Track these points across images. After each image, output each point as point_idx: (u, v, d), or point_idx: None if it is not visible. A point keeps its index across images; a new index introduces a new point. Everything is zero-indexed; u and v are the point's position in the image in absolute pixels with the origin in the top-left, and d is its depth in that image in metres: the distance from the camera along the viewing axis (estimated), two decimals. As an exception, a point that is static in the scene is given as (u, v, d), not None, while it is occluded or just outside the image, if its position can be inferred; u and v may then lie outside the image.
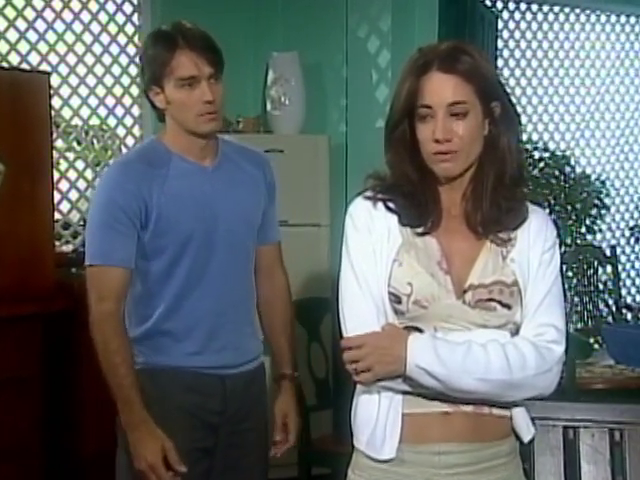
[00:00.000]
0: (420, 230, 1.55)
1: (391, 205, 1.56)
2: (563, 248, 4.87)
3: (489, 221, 1.54)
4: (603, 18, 5.50)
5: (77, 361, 3.20)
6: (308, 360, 3.20)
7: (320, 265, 3.78)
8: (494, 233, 1.55)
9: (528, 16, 5.25)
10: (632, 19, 5.57)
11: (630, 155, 5.72)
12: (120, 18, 3.97)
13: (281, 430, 2.15)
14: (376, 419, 1.53)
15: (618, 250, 5.46)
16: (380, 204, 1.56)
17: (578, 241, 5.16)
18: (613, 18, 5.53)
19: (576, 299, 5.12)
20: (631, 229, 5.71)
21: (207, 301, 2.04)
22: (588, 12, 5.44)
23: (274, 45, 4.13)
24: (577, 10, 5.40)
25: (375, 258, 1.53)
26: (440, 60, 1.51)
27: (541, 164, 4.83)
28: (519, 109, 5.50)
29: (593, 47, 5.48)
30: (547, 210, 4.81)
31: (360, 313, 1.53)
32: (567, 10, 5.37)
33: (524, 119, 5.31)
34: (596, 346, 3.63)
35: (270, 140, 3.87)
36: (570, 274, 5.06)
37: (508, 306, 1.52)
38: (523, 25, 5.24)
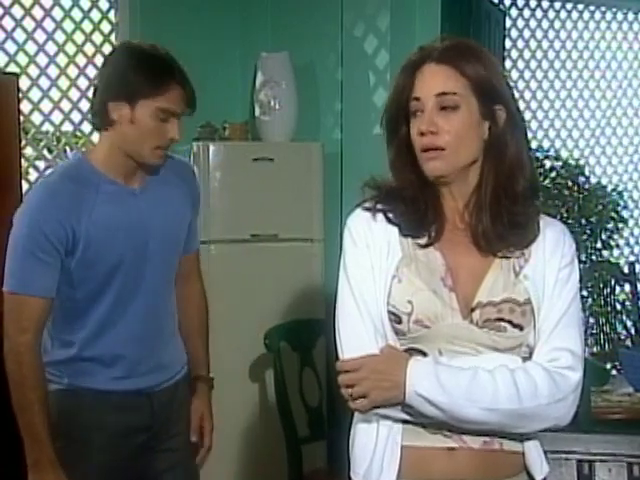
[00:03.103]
0: (422, 241, 1.55)
1: (391, 216, 1.57)
2: (579, 265, 4.89)
3: (492, 237, 1.54)
4: (620, 16, 5.53)
5: None
6: (300, 387, 3.20)
7: (313, 284, 3.78)
8: (501, 250, 1.54)
9: (538, 14, 5.29)
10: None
11: (650, 164, 5.75)
12: (95, 15, 3.99)
13: (196, 431, 2.33)
14: (373, 450, 1.53)
15: (637, 267, 5.48)
16: (380, 215, 1.57)
17: (593, 257, 5.18)
18: (630, 16, 5.57)
19: (591, 320, 5.13)
20: (652, 244, 5.73)
21: (134, 326, 2.12)
22: (604, 9, 5.48)
23: (263, 45, 4.15)
24: (592, 7, 5.44)
25: (374, 274, 1.53)
26: (438, 53, 1.53)
27: (553, 174, 4.85)
28: (528, 114, 5.54)
29: (609, 47, 5.51)
30: (560, 224, 4.83)
31: (357, 334, 1.53)
32: (580, 7, 5.40)
33: (534, 125, 5.33)
34: (613, 372, 3.64)
35: (259, 148, 3.89)
36: (585, 293, 5.07)
37: (520, 327, 1.52)
38: (533, 23, 5.28)
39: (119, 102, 2.03)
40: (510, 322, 1.51)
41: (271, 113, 3.96)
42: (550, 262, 1.56)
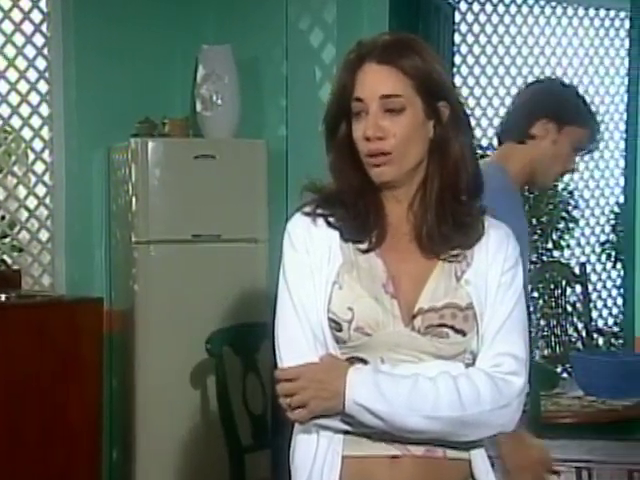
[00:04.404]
0: (363, 246, 1.55)
1: (332, 220, 1.57)
2: (528, 266, 4.96)
3: (436, 238, 1.55)
4: (570, 11, 5.63)
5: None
6: (243, 394, 3.20)
7: (257, 286, 3.79)
8: (445, 252, 1.55)
9: (488, 8, 5.35)
10: (602, 12, 5.72)
11: (601, 163, 5.83)
12: (25, 4, 3.92)
13: None
14: (313, 460, 1.53)
15: (588, 268, 5.58)
16: (321, 220, 1.57)
17: (544, 258, 5.27)
18: (581, 11, 5.67)
19: (542, 323, 5.22)
20: (602, 245, 5.83)
21: None
22: (554, 4, 5.56)
23: (204, 37, 4.13)
24: (542, 2, 5.52)
25: (314, 281, 1.54)
26: (378, 52, 1.53)
27: (503, 172, 4.92)
28: (478, 111, 5.57)
29: (559, 43, 5.61)
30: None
31: (296, 342, 1.53)
32: (531, 2, 5.48)
33: (484, 122, 5.40)
34: (565, 375, 3.71)
35: (200, 145, 3.88)
36: (536, 295, 5.15)
37: (462, 332, 1.52)
38: (482, 18, 5.33)
39: (549, 121, 2.25)
40: (452, 327, 1.52)
41: (213, 108, 3.95)
42: (493, 265, 1.57)
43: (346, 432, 1.53)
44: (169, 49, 4.17)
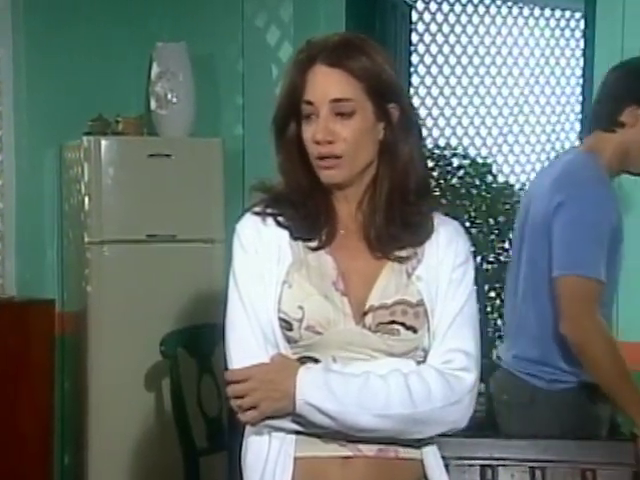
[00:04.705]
0: (313, 245, 1.56)
1: (282, 220, 1.58)
2: (486, 265, 5.00)
3: (385, 239, 1.56)
4: (526, 11, 5.69)
5: None
6: (198, 396, 3.19)
7: (213, 287, 3.77)
8: (394, 251, 1.57)
9: (445, 8, 5.39)
10: (557, 13, 5.79)
11: (556, 162, 5.92)
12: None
13: None
14: (265, 462, 1.53)
15: (545, 267, 5.64)
16: (270, 219, 1.58)
17: (501, 258, 5.31)
18: (537, 12, 5.74)
19: (500, 323, 5.26)
20: (559, 244, 5.90)
21: None
22: (510, 4, 5.62)
23: (158, 34, 4.10)
24: (498, 2, 5.57)
25: (264, 281, 1.54)
26: (327, 53, 1.54)
27: (460, 172, 4.96)
28: (436, 111, 5.59)
29: (516, 43, 5.66)
30: (468, 223, 4.93)
31: (246, 343, 1.54)
32: (487, 1, 5.53)
33: (441, 122, 5.44)
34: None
35: (155, 143, 3.85)
36: (493, 294, 5.20)
37: (413, 329, 1.54)
38: (440, 17, 5.37)
39: (638, 107, 2.28)
40: (403, 324, 1.53)
41: (168, 107, 3.93)
42: (443, 261, 1.58)
43: (298, 433, 1.53)
44: (123, 46, 4.14)
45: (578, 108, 5.49)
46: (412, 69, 5.03)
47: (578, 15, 5.57)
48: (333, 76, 1.53)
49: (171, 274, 3.72)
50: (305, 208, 1.57)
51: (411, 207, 1.58)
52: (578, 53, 5.56)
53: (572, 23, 5.79)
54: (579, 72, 5.46)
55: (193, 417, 3.16)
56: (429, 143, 5.29)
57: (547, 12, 5.75)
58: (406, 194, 1.58)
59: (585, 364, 2.20)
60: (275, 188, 1.61)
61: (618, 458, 1.92)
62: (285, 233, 1.58)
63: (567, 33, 5.81)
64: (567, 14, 5.79)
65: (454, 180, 4.96)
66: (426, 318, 1.55)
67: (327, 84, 1.53)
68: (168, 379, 3.21)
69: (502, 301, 5.31)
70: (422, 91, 5.35)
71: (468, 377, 1.55)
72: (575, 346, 2.19)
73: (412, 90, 5.04)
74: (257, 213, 1.59)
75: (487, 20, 5.54)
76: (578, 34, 5.66)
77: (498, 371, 2.46)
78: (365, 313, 1.54)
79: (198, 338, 3.32)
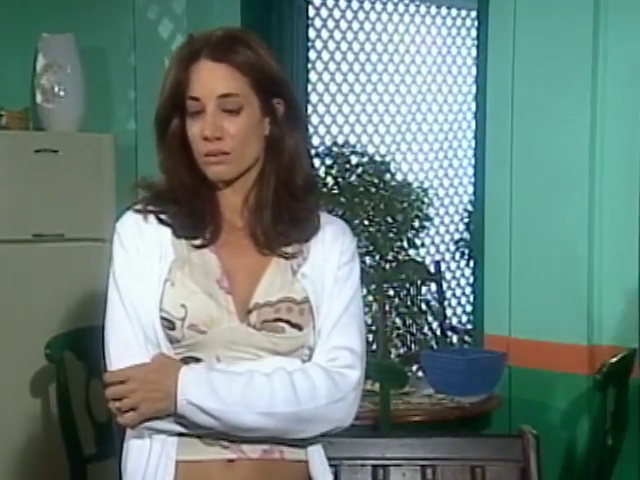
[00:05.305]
0: (197, 243, 1.56)
1: (164, 217, 1.57)
2: (384, 264, 5.06)
3: (272, 235, 1.57)
4: (423, 9, 5.78)
5: None
6: (86, 400, 3.12)
7: (103, 287, 3.63)
8: (281, 248, 1.57)
9: (342, 3, 5.43)
10: (453, 11, 5.90)
11: (454, 161, 6.02)
12: None
13: None
14: (145, 467, 1.51)
15: (443, 266, 5.75)
16: (151, 217, 1.57)
17: (400, 257, 5.39)
18: (433, 9, 5.83)
19: (398, 321, 5.34)
20: (456, 243, 6.02)
21: None
22: (407, 1, 5.71)
23: (45, 25, 4.00)
24: (395, -1, 5.65)
25: (145, 280, 1.53)
26: (211, 48, 1.53)
27: (359, 170, 5.01)
28: (334, 108, 5.63)
29: (413, 41, 5.74)
30: (366, 221, 4.98)
31: (126, 343, 1.52)
32: (385, -1, 5.61)
33: (340, 119, 5.48)
34: (420, 374, 3.80)
35: (41, 138, 3.76)
36: (391, 293, 5.27)
37: (298, 326, 1.54)
38: (337, 13, 5.41)
39: None
40: (288, 322, 1.54)
41: (55, 100, 3.85)
42: (329, 259, 1.60)
43: (180, 435, 1.52)
44: (6, 37, 4.01)
45: (474, 107, 5.62)
46: (309, 65, 5.05)
47: (474, 14, 5.69)
48: (219, 71, 1.53)
49: (58, 275, 3.64)
50: (188, 206, 1.56)
51: (298, 203, 1.59)
52: (474, 52, 5.68)
53: (468, 22, 5.91)
54: (475, 71, 5.59)
55: (81, 422, 3.10)
56: (327, 140, 5.34)
57: (443, 11, 5.86)
58: (293, 190, 1.59)
59: None
60: (157, 185, 1.59)
61: (506, 454, 1.96)
62: (167, 230, 1.57)
63: (463, 32, 5.93)
64: (463, 13, 5.91)
65: (352, 178, 5.02)
66: (311, 316, 1.56)
67: (213, 79, 1.53)
68: (54, 384, 3.13)
69: (400, 299, 5.41)
70: (320, 87, 5.38)
71: (353, 374, 1.56)
72: None
73: (310, 87, 5.07)
74: (138, 211, 1.58)
75: (384, 17, 5.61)
76: (474, 33, 5.78)
77: None
78: (250, 311, 1.53)
79: (86, 341, 3.24)
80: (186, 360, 1.52)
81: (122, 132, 3.98)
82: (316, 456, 1.59)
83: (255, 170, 1.59)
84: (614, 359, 2.96)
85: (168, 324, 1.51)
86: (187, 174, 1.57)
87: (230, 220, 1.60)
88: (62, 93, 3.84)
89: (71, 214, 3.70)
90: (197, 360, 1.52)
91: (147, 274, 1.53)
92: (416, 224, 5.61)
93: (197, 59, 1.53)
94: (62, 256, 3.68)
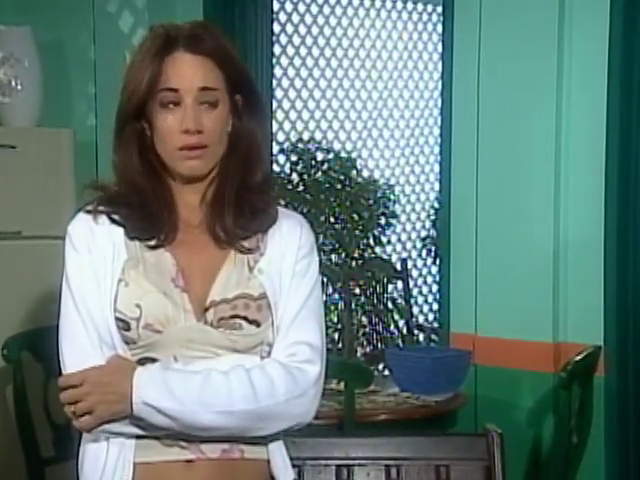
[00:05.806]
0: (151, 243, 1.55)
1: (116, 217, 1.56)
2: (350, 261, 5.06)
3: (231, 230, 1.56)
4: (389, 4, 5.78)
5: None
6: (44, 402, 3.08)
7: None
8: (239, 241, 1.57)
9: (307, -2, 5.42)
10: (419, 6, 5.91)
11: (421, 158, 6.04)
12: None
13: None
14: (102, 470, 1.50)
15: (409, 264, 5.77)
16: (103, 217, 1.56)
17: (366, 254, 5.40)
18: (399, 5, 5.84)
19: (364, 319, 5.35)
20: (423, 240, 6.03)
21: None
22: (372, -3, 5.71)
23: (1, 17, 3.96)
24: (361, -6, 5.65)
25: (98, 281, 1.52)
26: (187, 40, 1.53)
27: (324, 167, 5.01)
28: (299, 103, 5.63)
29: (379, 36, 5.75)
30: (332, 219, 4.98)
31: (80, 346, 1.51)
32: (350, -7, 5.60)
33: (306, 115, 5.47)
34: (386, 373, 3.81)
35: (-2, 133, 3.72)
36: (357, 291, 5.28)
37: (256, 323, 1.54)
38: (302, 7, 5.39)
39: None
40: (245, 318, 1.53)
41: (12, 94, 3.80)
42: (286, 254, 1.59)
43: (138, 437, 1.51)
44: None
45: (440, 103, 5.64)
46: (274, 60, 5.04)
47: (439, 10, 5.70)
48: (199, 64, 1.52)
49: (16, 273, 3.60)
50: (143, 209, 1.55)
51: (256, 196, 1.59)
52: (439, 48, 5.69)
53: (434, 18, 5.93)
54: (440, 67, 5.61)
55: (39, 424, 3.06)
56: (293, 137, 5.33)
57: (409, 6, 5.87)
58: (252, 184, 1.58)
59: None
60: (109, 188, 1.57)
61: (470, 453, 1.97)
62: (120, 230, 1.56)
63: (429, 27, 5.95)
64: (429, 8, 5.92)
65: (318, 175, 5.01)
66: (269, 312, 1.55)
67: (193, 71, 1.52)
68: (12, 385, 3.09)
69: (367, 297, 5.42)
70: (285, 83, 5.37)
71: (312, 369, 1.55)
72: None
73: (275, 82, 5.05)
74: (89, 212, 1.57)
75: (350, 12, 5.60)
76: (439, 29, 5.79)
77: None
78: (206, 309, 1.53)
79: (44, 341, 3.17)
80: (143, 361, 1.51)
81: (82, 127, 3.95)
82: (277, 454, 1.59)
83: (216, 168, 1.58)
84: (579, 357, 2.98)
85: (123, 325, 1.50)
86: (141, 174, 1.55)
87: (186, 219, 1.59)
88: (19, 87, 3.80)
89: (29, 211, 3.67)
90: (154, 360, 1.51)
91: (100, 275, 1.52)
92: (382, 221, 5.62)
93: (172, 50, 1.52)
94: (20, 254, 3.64)
